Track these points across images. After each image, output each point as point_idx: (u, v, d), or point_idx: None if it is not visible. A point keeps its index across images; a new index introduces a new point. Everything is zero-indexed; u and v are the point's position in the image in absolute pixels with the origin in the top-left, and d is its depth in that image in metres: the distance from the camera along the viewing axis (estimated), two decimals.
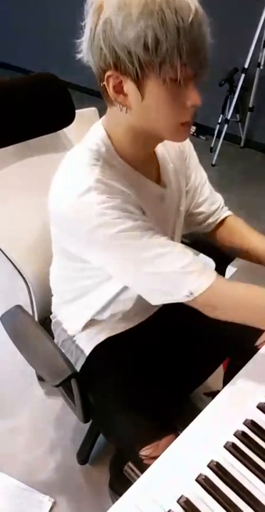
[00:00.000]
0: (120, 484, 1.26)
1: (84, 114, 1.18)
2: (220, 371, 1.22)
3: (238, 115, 3.52)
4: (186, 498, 0.67)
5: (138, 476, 0.71)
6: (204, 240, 1.17)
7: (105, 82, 0.73)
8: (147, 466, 0.72)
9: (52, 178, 0.80)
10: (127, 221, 0.75)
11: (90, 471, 1.44)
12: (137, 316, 1.05)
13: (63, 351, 1.00)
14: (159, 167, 0.93)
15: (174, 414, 1.01)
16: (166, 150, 0.96)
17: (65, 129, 1.15)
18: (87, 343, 1.02)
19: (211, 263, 1.28)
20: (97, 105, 1.19)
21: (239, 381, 0.86)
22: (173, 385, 1.05)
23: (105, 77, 0.72)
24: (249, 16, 3.02)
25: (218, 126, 3.47)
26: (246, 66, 3.13)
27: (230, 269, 1.80)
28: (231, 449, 0.74)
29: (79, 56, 0.75)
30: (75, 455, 1.46)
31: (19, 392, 1.68)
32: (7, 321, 1.04)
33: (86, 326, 1.03)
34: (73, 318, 1.05)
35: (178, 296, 0.79)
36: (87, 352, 1.01)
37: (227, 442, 0.75)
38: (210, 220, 1.10)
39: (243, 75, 3.16)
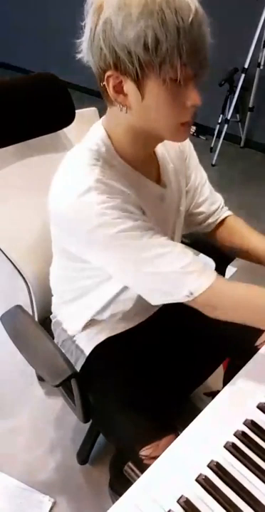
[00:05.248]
0: (120, 484, 1.26)
1: (84, 114, 1.18)
2: (220, 371, 1.22)
3: (238, 115, 3.52)
4: (186, 498, 0.67)
5: (138, 476, 0.71)
6: (204, 240, 1.17)
7: (105, 82, 0.73)
8: (147, 466, 0.72)
9: (52, 178, 0.80)
10: (127, 221, 0.75)
11: (90, 471, 1.44)
12: (137, 316, 1.05)
13: (63, 351, 1.00)
14: (159, 167, 0.93)
15: (174, 414, 1.01)
16: (166, 150, 0.96)
17: (65, 129, 1.15)
18: (87, 343, 1.02)
19: (211, 263, 1.28)
20: (97, 105, 1.19)
21: (239, 381, 0.86)
22: (173, 385, 1.05)
23: (105, 77, 0.72)
24: (249, 16, 3.02)
25: (218, 126, 3.46)
26: (246, 66, 3.13)
27: (230, 269, 1.80)
28: (231, 449, 0.74)
29: (79, 56, 0.75)
30: (75, 455, 1.46)
31: (19, 392, 1.68)
32: (7, 321, 1.04)
33: (86, 326, 1.03)
34: (73, 318, 1.05)
35: (178, 296, 0.79)
36: (87, 352, 1.01)
37: (227, 442, 0.75)
38: (210, 220, 1.10)
39: (243, 75, 3.16)
